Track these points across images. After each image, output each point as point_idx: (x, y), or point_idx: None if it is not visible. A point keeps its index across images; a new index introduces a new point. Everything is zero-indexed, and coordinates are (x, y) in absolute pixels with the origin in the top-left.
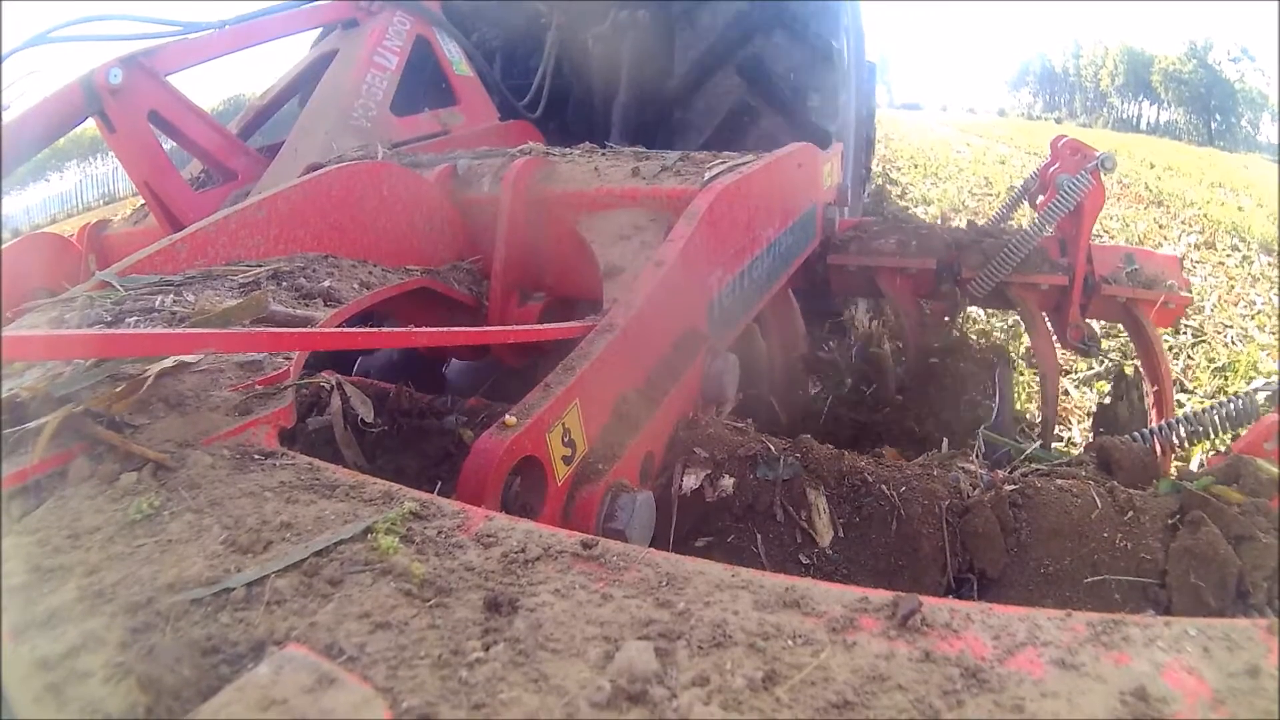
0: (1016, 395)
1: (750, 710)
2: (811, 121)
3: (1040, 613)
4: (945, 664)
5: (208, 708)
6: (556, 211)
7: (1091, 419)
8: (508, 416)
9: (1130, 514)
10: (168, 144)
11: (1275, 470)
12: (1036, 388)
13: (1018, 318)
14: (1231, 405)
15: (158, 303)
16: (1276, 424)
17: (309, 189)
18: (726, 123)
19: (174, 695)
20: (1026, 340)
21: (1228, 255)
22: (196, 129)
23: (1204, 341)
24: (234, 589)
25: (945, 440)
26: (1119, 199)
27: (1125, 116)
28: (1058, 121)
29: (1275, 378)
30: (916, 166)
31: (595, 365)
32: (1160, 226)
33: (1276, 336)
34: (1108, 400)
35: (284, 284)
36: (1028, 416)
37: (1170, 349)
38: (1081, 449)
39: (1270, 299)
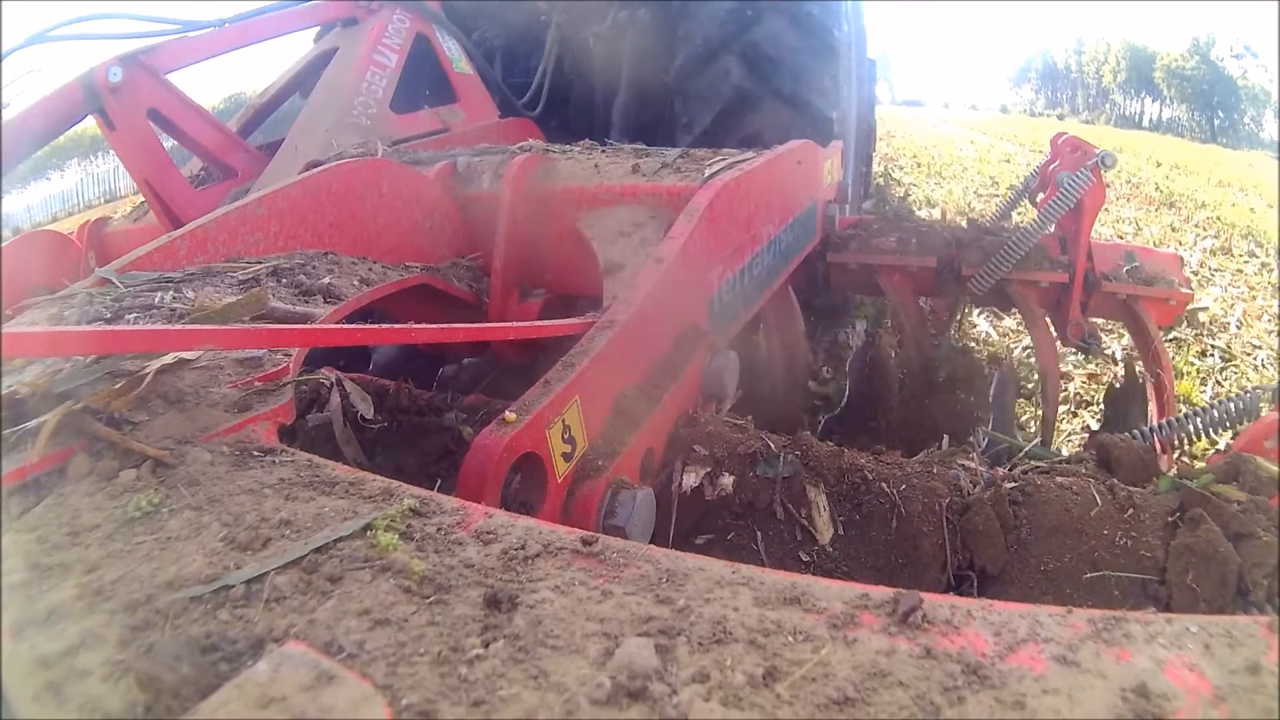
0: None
1: (751, 707)
2: (813, 108)
3: (1041, 609)
4: (946, 660)
5: (207, 705)
6: (556, 208)
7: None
8: (507, 413)
9: (1130, 511)
10: (168, 142)
11: (1275, 468)
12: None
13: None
14: (1232, 403)
15: (157, 299)
16: (1276, 422)
17: (309, 186)
18: (728, 109)
19: (173, 693)
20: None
21: (1245, 261)
22: (196, 127)
23: (1233, 364)
24: (233, 586)
25: (945, 438)
26: (1129, 199)
27: (1128, 113)
28: (1060, 118)
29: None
30: (920, 165)
31: (595, 362)
32: (1174, 230)
33: (1277, 337)
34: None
35: (284, 281)
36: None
37: (1198, 373)
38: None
39: None
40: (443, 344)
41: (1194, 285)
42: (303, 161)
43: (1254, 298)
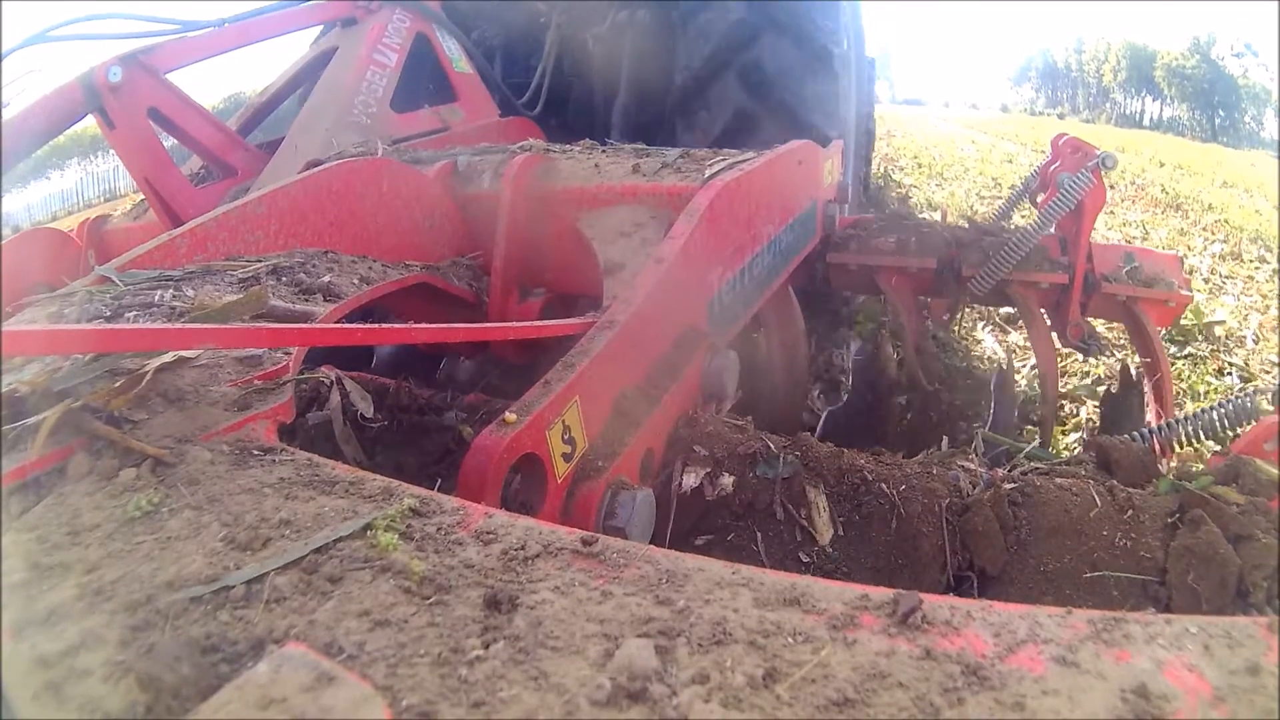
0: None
1: (750, 708)
2: (814, 128)
3: (1041, 610)
4: (946, 661)
5: (207, 706)
6: (557, 208)
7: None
8: (507, 413)
9: (1130, 513)
10: (168, 141)
11: (1274, 470)
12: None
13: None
14: (1231, 405)
15: (157, 298)
16: (1276, 425)
17: (309, 185)
18: (727, 131)
19: (173, 694)
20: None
21: (1256, 268)
22: (196, 126)
23: (1253, 383)
24: (233, 587)
25: (945, 439)
26: (1134, 201)
27: (1128, 112)
28: (1060, 117)
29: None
30: (921, 166)
31: (595, 362)
32: (1182, 234)
33: (1277, 337)
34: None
35: (284, 279)
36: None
37: (1216, 393)
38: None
39: None
40: (442, 343)
41: (1206, 295)
42: (303, 160)
43: (1268, 308)
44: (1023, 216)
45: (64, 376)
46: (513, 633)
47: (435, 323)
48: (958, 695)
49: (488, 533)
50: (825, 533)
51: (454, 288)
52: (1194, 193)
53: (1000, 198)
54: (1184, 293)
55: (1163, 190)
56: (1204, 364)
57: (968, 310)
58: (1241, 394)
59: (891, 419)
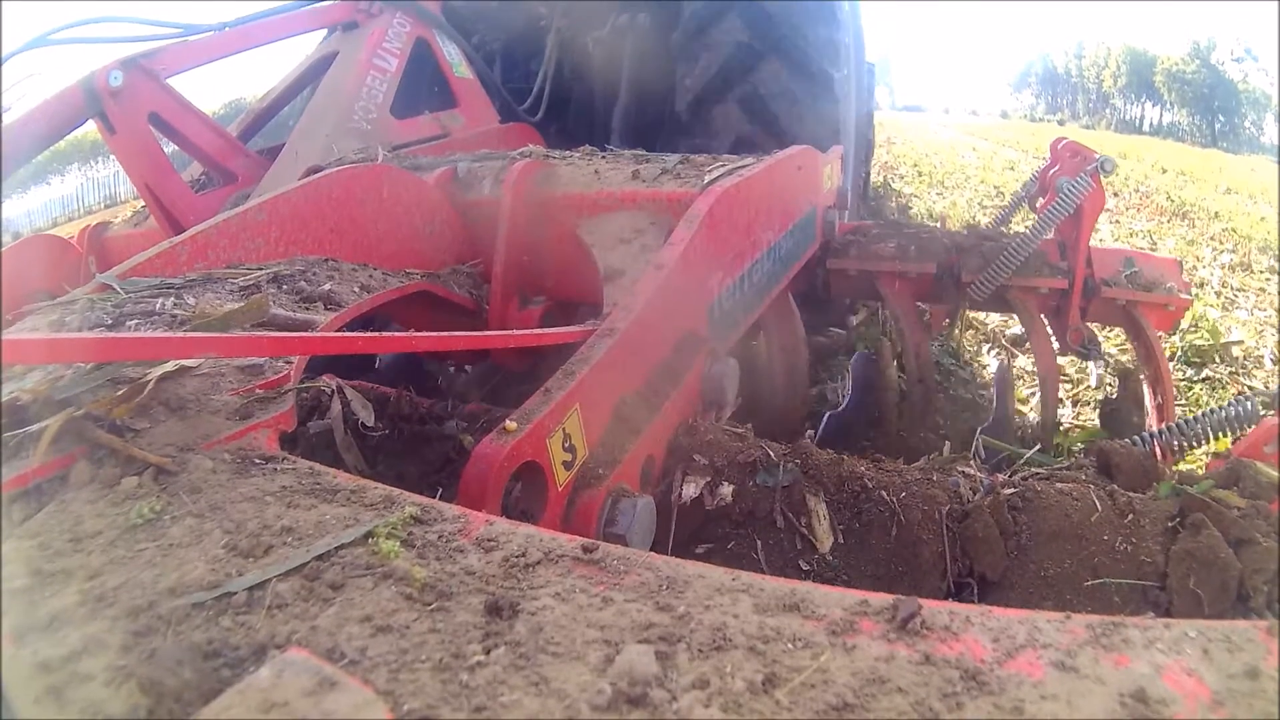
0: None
1: (750, 713)
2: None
3: (1040, 615)
4: (945, 666)
5: (209, 710)
6: (557, 214)
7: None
8: (508, 422)
9: (1130, 517)
10: (168, 146)
11: (1275, 474)
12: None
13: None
14: (1231, 409)
15: (158, 306)
16: (1276, 428)
17: (309, 192)
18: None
19: (175, 698)
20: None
21: (1267, 279)
22: (197, 131)
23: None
24: (235, 593)
25: (946, 444)
26: (1139, 209)
27: (1128, 118)
28: (1060, 123)
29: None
30: (921, 174)
31: (595, 370)
32: (1190, 244)
33: (1277, 337)
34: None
35: (284, 287)
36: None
37: None
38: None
39: None
40: (443, 351)
41: (1220, 310)
42: (303, 166)
43: None
44: (1022, 222)
45: (66, 385)
46: (514, 638)
47: (436, 330)
48: (957, 700)
49: (489, 540)
50: (825, 540)
51: (454, 295)
52: (1198, 200)
53: (1003, 207)
54: (1184, 296)
55: (1168, 198)
56: (1223, 389)
57: (973, 333)
58: (1241, 398)
59: (891, 422)
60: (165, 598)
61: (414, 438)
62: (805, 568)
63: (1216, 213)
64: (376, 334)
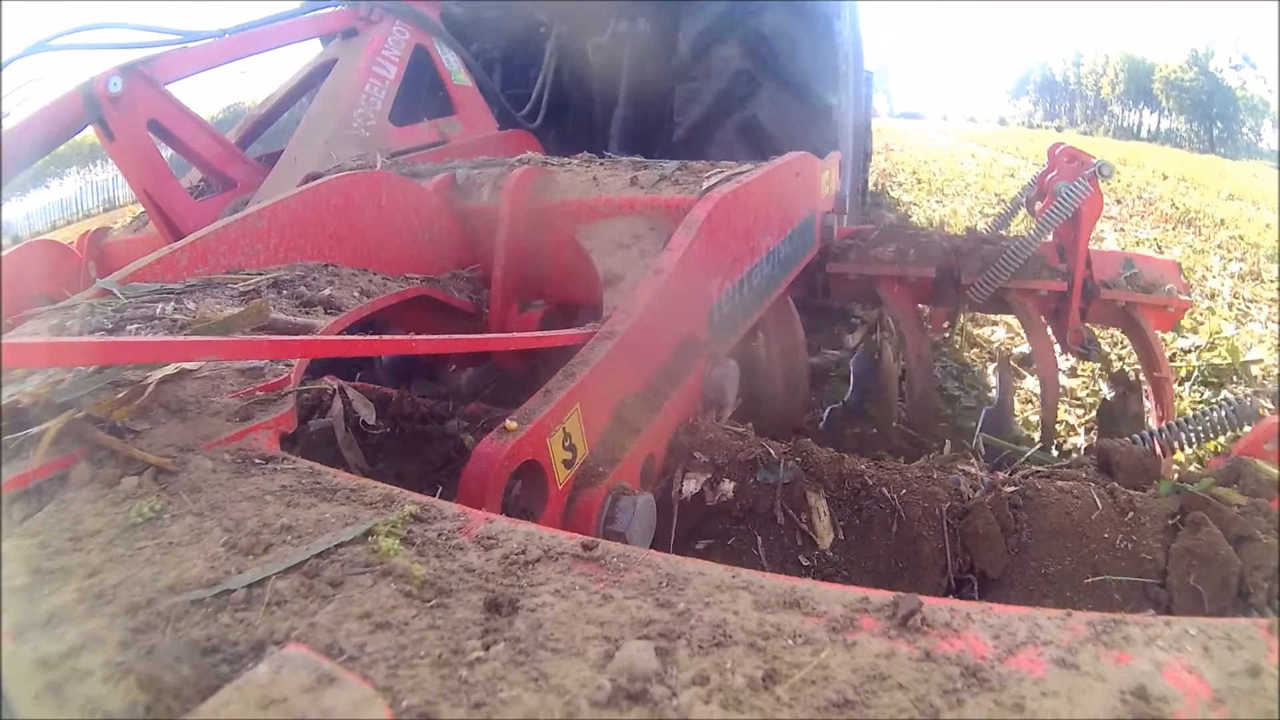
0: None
1: (750, 709)
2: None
3: (1040, 612)
4: (945, 663)
5: (207, 706)
6: (555, 220)
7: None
8: (508, 421)
9: (1131, 515)
10: (167, 152)
11: (1275, 471)
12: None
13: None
14: (1232, 407)
15: (158, 310)
16: (1276, 425)
17: (309, 198)
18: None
19: (174, 694)
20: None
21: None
22: (195, 137)
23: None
24: (234, 590)
25: (947, 442)
26: (1143, 217)
27: (1126, 125)
28: (1059, 130)
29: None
30: (920, 182)
31: (596, 371)
32: (1199, 253)
33: (1277, 338)
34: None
35: (284, 292)
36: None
37: None
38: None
39: None
40: (442, 355)
41: (1234, 324)
42: (302, 173)
43: None
44: (1020, 224)
45: (66, 388)
46: (513, 635)
47: (435, 334)
48: (957, 697)
49: (488, 538)
50: (826, 537)
51: (454, 299)
52: (1202, 206)
53: (1001, 211)
54: (1183, 298)
55: (1172, 205)
56: None
57: (979, 351)
58: (1242, 397)
59: (890, 419)
60: (164, 595)
61: (415, 437)
62: (805, 564)
63: (1222, 220)
64: (376, 337)
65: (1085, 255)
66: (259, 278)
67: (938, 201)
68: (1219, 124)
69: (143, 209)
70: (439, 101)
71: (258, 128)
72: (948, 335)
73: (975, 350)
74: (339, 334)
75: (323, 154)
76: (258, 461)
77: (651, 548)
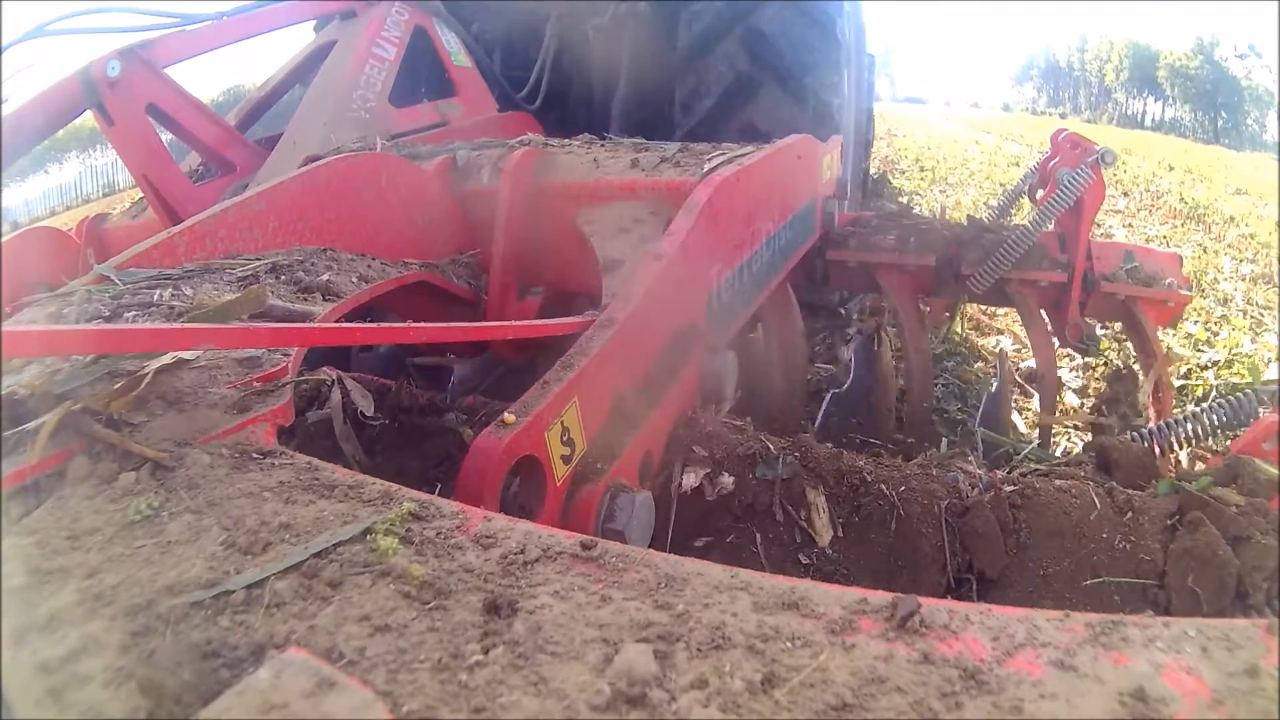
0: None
1: (749, 712)
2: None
3: (1039, 614)
4: (944, 665)
5: (208, 712)
6: (555, 203)
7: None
8: (506, 414)
9: (1129, 515)
10: (166, 136)
11: (1274, 471)
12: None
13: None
14: (1230, 406)
15: (156, 297)
16: (1275, 425)
17: (307, 181)
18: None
19: (174, 699)
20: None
21: None
22: (195, 121)
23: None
24: (234, 591)
25: (945, 440)
26: (1151, 211)
27: (1130, 113)
28: (1062, 116)
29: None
30: (924, 170)
31: (594, 362)
32: (1210, 253)
33: (1277, 338)
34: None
35: (282, 278)
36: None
37: None
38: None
39: None
40: (441, 342)
41: (1249, 333)
42: (301, 156)
43: None
44: (1020, 211)
45: (64, 379)
46: (512, 638)
47: (434, 320)
48: (956, 700)
49: (487, 537)
50: (825, 534)
51: (453, 286)
52: (1210, 201)
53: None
54: (1183, 292)
55: (1180, 199)
56: None
57: (981, 365)
58: (1240, 395)
59: (888, 413)
60: (164, 596)
61: (413, 431)
62: (805, 561)
63: (1231, 216)
64: (374, 325)
65: (1086, 246)
66: (257, 263)
67: (941, 190)
68: (1224, 114)
69: (141, 194)
70: (439, 83)
71: (257, 110)
72: (948, 325)
73: (980, 364)
74: (337, 321)
75: (322, 136)
76: (255, 456)
77: (650, 545)
